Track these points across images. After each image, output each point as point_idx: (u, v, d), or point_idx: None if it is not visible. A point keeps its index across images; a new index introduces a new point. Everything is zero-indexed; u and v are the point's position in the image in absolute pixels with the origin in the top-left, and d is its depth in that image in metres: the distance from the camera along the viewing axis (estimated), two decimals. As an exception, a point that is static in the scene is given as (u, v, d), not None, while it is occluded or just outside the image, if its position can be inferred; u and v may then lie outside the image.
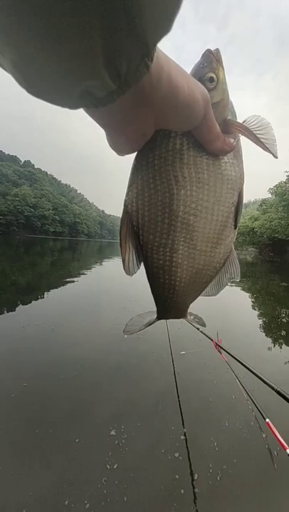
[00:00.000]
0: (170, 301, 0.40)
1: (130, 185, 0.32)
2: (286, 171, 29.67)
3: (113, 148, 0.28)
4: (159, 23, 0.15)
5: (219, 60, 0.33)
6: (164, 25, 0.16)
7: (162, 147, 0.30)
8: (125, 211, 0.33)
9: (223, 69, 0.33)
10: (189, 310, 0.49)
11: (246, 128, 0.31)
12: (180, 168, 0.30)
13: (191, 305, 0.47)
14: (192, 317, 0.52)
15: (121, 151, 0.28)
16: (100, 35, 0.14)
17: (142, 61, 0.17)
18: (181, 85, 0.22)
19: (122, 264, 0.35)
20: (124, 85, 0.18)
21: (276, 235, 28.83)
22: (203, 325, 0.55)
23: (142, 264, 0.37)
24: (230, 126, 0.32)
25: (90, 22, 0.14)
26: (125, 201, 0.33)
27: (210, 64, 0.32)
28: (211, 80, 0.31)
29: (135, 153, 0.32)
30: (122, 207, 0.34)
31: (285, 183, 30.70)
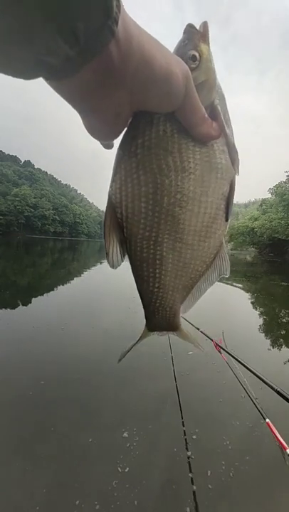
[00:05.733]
0: (156, 297, 0.38)
1: (114, 176, 0.30)
2: (286, 171, 29.67)
3: (91, 134, 0.26)
4: None
5: (204, 36, 0.29)
6: None
7: (145, 135, 0.28)
8: (109, 203, 0.32)
9: (208, 45, 0.29)
10: (188, 313, 0.44)
11: (223, 127, 0.29)
12: (164, 156, 0.28)
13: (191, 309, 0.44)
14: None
15: (99, 135, 0.26)
16: None
17: (104, 24, 0.15)
18: (155, 57, 0.20)
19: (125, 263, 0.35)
20: (86, 53, 0.16)
21: (276, 235, 28.78)
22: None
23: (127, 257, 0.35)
24: (215, 114, 0.30)
25: None
26: (109, 192, 0.31)
27: (191, 41, 0.28)
28: (193, 58, 0.28)
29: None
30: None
31: (285, 183, 30.67)
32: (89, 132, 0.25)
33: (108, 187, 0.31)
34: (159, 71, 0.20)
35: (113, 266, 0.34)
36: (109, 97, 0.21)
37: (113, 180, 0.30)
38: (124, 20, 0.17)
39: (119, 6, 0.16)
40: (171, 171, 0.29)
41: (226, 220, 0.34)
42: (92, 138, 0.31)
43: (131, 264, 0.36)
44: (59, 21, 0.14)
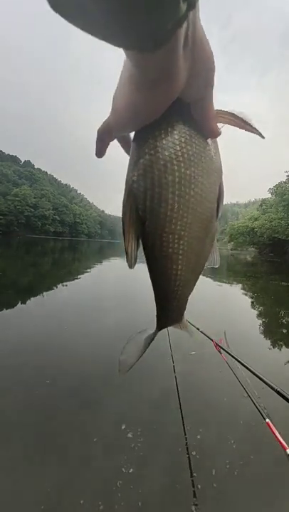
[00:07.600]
0: (176, 295, 0.37)
1: (136, 162, 0.28)
2: (286, 171, 29.68)
3: (133, 114, 0.25)
4: None
5: None
6: None
7: (171, 121, 0.27)
8: (129, 192, 0.29)
9: None
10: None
11: (234, 114, 0.30)
12: (187, 145, 0.28)
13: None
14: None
15: (140, 114, 0.25)
16: None
17: None
18: (204, 37, 0.22)
19: (125, 263, 0.31)
20: (182, 18, 0.16)
21: (276, 235, 28.82)
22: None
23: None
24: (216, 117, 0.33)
25: None
26: (129, 180, 0.29)
27: None
28: None
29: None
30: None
31: (285, 183, 30.68)
32: (128, 112, 0.25)
33: (127, 174, 0.29)
34: (209, 50, 0.23)
35: (132, 265, 0.32)
36: (179, 68, 0.22)
37: (135, 165, 0.29)
38: None
39: None
40: (192, 162, 0.29)
41: (216, 217, 0.36)
42: (93, 138, 0.32)
43: (152, 262, 0.34)
44: None
